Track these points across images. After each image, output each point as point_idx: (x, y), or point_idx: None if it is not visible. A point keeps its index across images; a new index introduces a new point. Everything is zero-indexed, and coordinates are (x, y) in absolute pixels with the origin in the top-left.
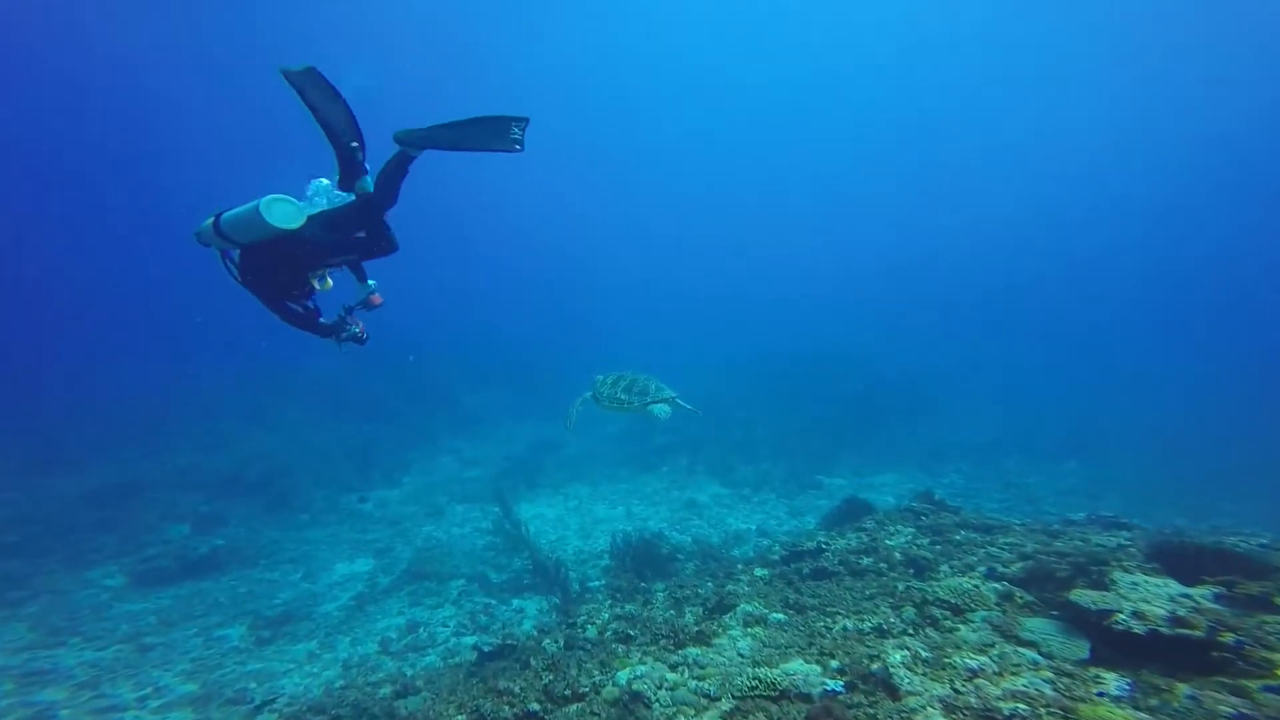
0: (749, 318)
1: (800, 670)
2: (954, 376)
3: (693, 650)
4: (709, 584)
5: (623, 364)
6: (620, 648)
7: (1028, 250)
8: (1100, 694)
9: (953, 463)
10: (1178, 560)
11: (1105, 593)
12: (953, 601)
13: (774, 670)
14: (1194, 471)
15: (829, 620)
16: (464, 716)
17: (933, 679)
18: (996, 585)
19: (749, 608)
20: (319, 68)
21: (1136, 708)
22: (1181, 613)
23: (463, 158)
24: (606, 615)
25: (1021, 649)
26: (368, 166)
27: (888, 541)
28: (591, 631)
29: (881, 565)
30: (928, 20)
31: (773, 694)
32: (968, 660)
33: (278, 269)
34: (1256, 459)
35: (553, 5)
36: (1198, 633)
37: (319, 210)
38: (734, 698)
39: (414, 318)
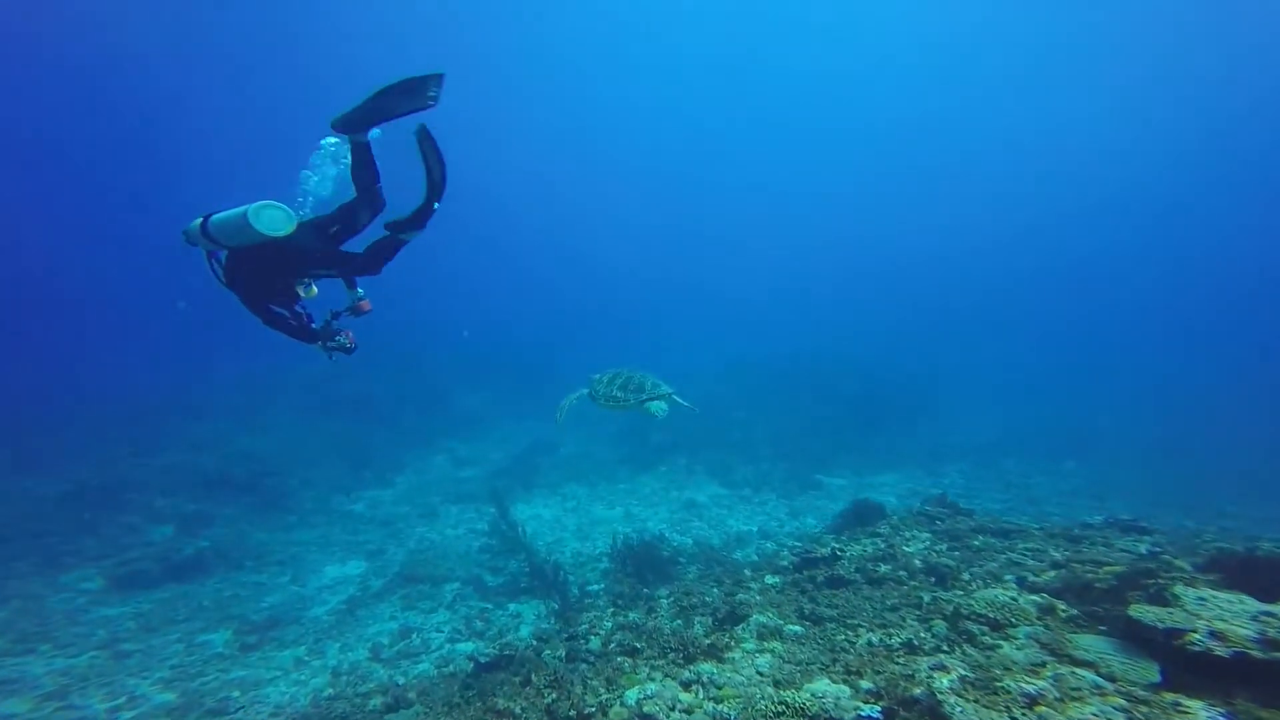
0: (747, 318)
1: (828, 692)
2: (953, 377)
3: (706, 666)
4: (715, 590)
5: (620, 363)
6: (627, 661)
7: (1025, 251)
8: None
9: (952, 463)
10: (1244, 573)
11: (1170, 609)
12: (990, 615)
13: (800, 693)
14: (1194, 472)
15: (850, 633)
16: None
17: (987, 706)
18: (1035, 598)
19: (762, 618)
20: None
21: None
22: (1274, 633)
23: (460, 157)
24: (610, 624)
25: (1079, 670)
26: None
27: (905, 548)
28: (595, 643)
29: (901, 573)
30: (928, 20)
31: None
32: (1023, 684)
33: (263, 273)
34: (1258, 459)
35: (552, 6)
36: None
37: (309, 218)
38: None
39: (410, 316)
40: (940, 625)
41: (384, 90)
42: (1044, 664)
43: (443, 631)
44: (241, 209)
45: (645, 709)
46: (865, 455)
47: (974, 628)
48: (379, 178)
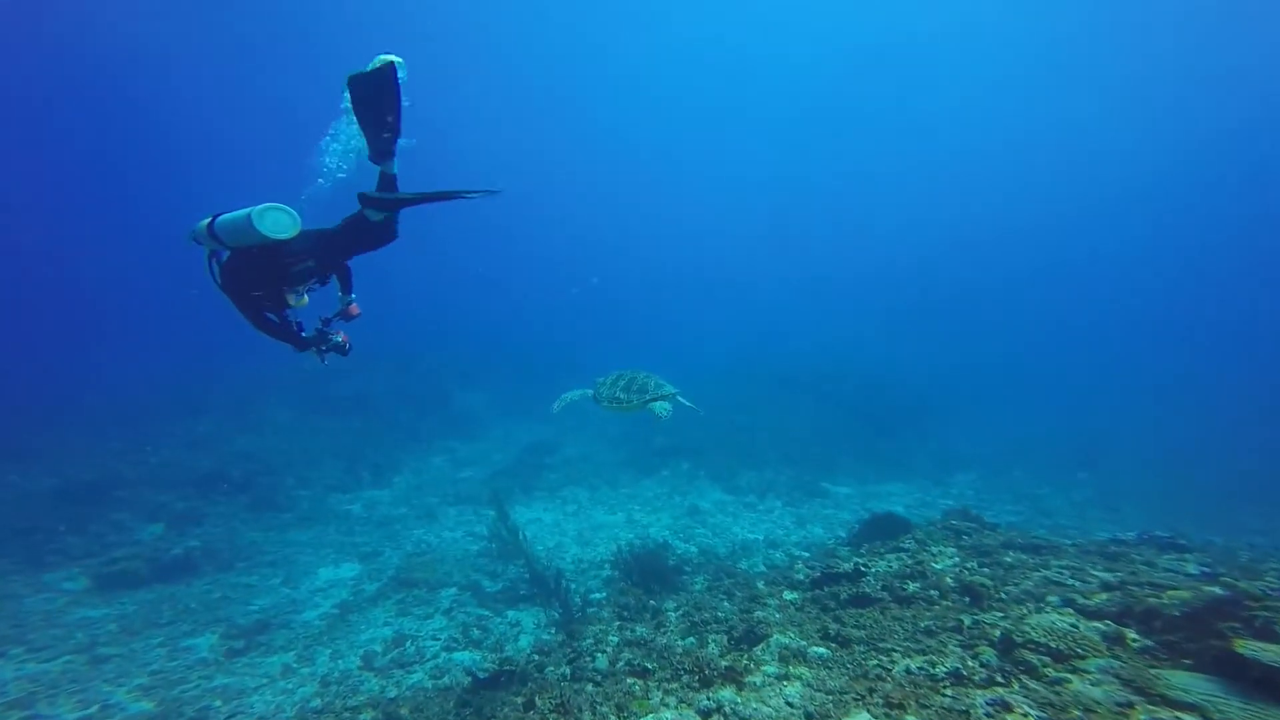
0: (751, 322)
1: None
2: (960, 384)
3: (726, 693)
4: (727, 605)
5: (622, 365)
6: (637, 684)
7: (1026, 252)
8: None
9: (961, 473)
10: None
11: None
12: (1049, 644)
13: None
14: (1209, 482)
15: (883, 658)
16: None
17: None
18: (1098, 624)
19: (784, 639)
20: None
21: None
22: None
23: (460, 157)
24: (616, 639)
25: (1182, 715)
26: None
27: (934, 565)
28: (601, 660)
29: (932, 592)
30: (929, 22)
31: None
32: None
33: (262, 276)
34: (1272, 466)
35: (552, 5)
36: None
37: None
38: None
39: (409, 315)
40: (989, 653)
41: (357, 105)
42: (1132, 705)
43: (439, 639)
44: (246, 210)
45: None
46: (870, 462)
47: (1033, 658)
48: (399, 208)
